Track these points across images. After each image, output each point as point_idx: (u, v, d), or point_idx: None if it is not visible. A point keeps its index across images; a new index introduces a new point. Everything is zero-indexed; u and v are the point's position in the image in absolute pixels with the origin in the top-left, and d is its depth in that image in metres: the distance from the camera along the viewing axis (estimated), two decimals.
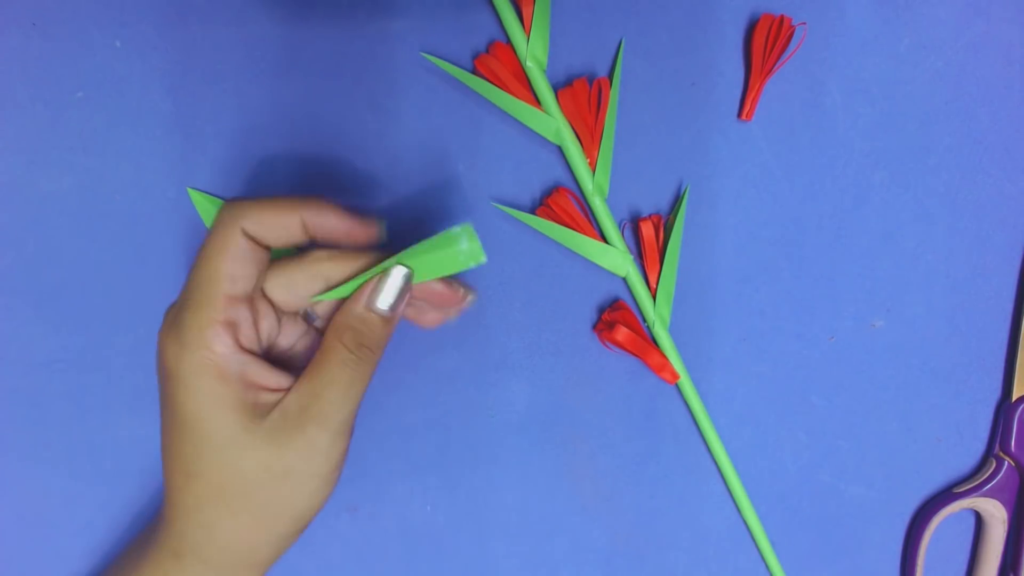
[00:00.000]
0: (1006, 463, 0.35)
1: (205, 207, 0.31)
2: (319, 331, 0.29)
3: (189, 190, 0.31)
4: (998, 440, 0.36)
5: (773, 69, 0.32)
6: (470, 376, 0.33)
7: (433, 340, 0.33)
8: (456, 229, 0.26)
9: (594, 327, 0.33)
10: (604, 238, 0.33)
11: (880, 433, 0.35)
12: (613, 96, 0.32)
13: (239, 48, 0.31)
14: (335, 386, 0.25)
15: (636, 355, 0.33)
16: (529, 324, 0.33)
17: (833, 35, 0.33)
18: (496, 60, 0.31)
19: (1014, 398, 0.35)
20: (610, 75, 0.32)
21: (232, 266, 0.24)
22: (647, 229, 0.33)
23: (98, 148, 0.31)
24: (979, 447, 0.36)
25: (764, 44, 0.32)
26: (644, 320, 0.33)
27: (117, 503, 0.32)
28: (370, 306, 0.26)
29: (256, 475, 0.25)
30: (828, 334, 0.35)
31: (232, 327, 0.24)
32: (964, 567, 0.37)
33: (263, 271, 0.26)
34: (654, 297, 0.33)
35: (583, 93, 0.31)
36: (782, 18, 0.32)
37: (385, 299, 0.26)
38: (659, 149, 0.33)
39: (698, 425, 0.34)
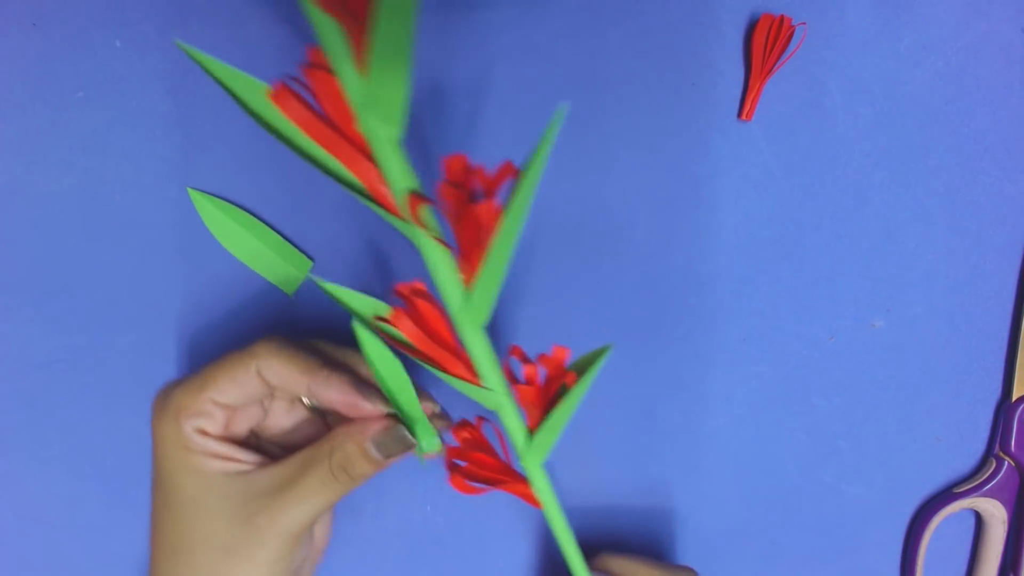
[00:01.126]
0: (1006, 463, 0.35)
1: (205, 207, 0.31)
2: (322, 420, 0.29)
3: (189, 190, 0.31)
4: (998, 440, 0.36)
5: (773, 69, 0.32)
6: None
7: None
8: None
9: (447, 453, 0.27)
10: (475, 372, 0.24)
11: (880, 433, 0.35)
12: (521, 201, 0.20)
13: (239, 48, 0.31)
14: (300, 493, 0.25)
15: (494, 484, 0.26)
16: (529, 323, 0.33)
17: (833, 35, 0.33)
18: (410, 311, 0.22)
19: (1014, 398, 0.35)
20: (525, 165, 0.20)
21: (229, 385, 0.26)
22: (527, 393, 0.25)
23: (98, 148, 0.31)
24: (979, 447, 0.36)
25: (764, 44, 0.32)
26: (514, 449, 0.26)
27: (117, 503, 0.32)
28: (367, 448, 0.25)
29: (203, 540, 0.25)
30: (828, 334, 0.35)
31: (209, 418, 0.26)
32: (964, 567, 0.37)
33: (261, 395, 0.27)
34: (532, 434, 0.26)
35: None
36: (782, 18, 0.32)
37: (385, 451, 0.25)
38: (659, 149, 0.33)
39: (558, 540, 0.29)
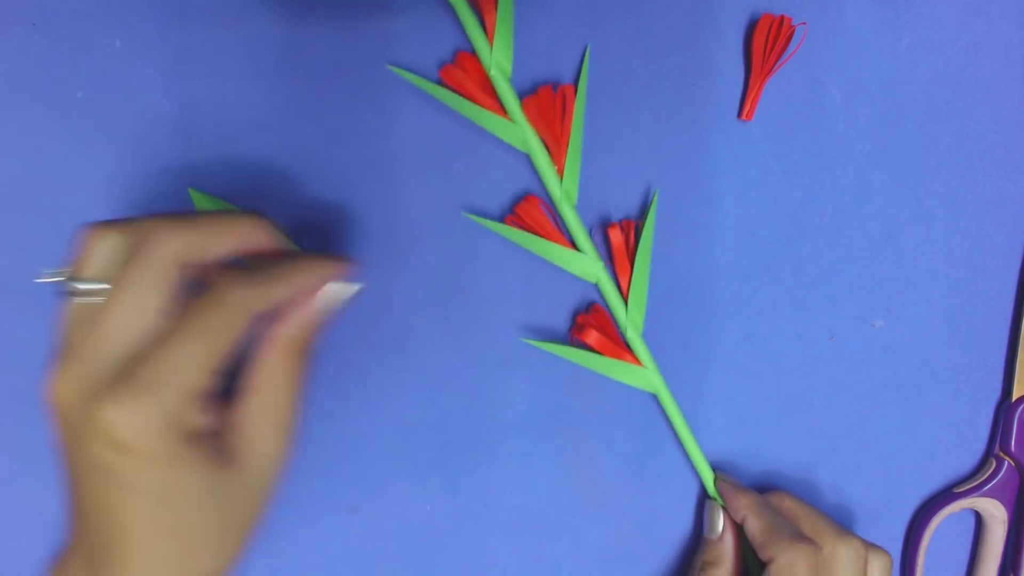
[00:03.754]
0: (1006, 463, 0.35)
1: (205, 207, 0.31)
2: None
3: (189, 190, 0.31)
4: (998, 440, 0.36)
5: (773, 69, 0.32)
6: (470, 376, 0.33)
7: (433, 340, 0.33)
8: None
9: (569, 330, 0.33)
10: (575, 245, 0.32)
11: (880, 433, 0.35)
12: (579, 102, 0.32)
13: (239, 48, 0.31)
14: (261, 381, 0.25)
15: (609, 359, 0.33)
16: (529, 324, 0.33)
17: (833, 35, 0.33)
18: (461, 70, 0.31)
19: (1014, 398, 0.35)
20: (575, 81, 0.32)
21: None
22: (615, 235, 0.32)
23: (98, 148, 0.31)
24: (979, 447, 0.36)
25: (764, 44, 0.32)
26: (618, 326, 0.33)
27: None
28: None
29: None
30: (828, 334, 0.35)
31: None
32: (964, 567, 0.37)
33: None
34: (626, 302, 0.33)
35: (547, 100, 0.31)
36: (782, 18, 0.32)
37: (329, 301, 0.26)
38: (659, 149, 0.33)
39: (676, 432, 0.34)
